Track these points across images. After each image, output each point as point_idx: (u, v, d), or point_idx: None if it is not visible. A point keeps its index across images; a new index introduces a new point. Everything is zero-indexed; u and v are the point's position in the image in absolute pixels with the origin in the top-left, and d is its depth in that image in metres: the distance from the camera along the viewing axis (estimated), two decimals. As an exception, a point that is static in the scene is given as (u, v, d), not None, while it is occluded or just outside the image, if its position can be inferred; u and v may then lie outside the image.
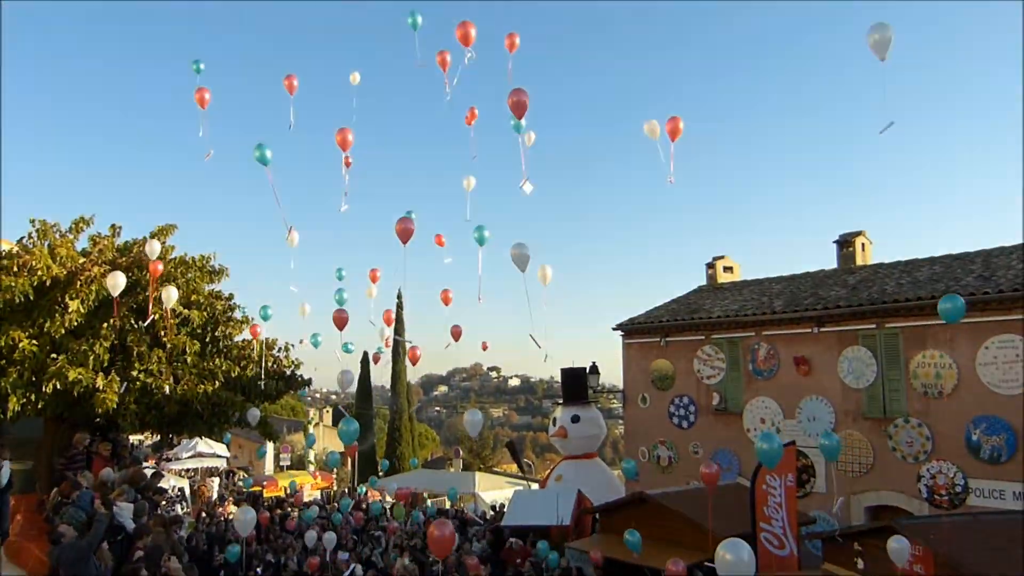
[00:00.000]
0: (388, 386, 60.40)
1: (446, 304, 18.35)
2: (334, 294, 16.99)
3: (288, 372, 17.96)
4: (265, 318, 17.38)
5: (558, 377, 25.29)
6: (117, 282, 13.86)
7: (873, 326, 16.12)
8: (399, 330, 53.43)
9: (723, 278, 23.57)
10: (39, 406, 13.65)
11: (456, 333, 17.40)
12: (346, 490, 30.61)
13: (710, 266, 23.99)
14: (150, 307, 14.53)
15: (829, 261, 21.00)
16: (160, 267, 14.80)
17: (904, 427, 15.32)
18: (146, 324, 14.75)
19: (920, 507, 14.90)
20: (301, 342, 18.74)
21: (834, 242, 20.74)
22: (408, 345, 18.75)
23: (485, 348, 24.71)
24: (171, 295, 14.39)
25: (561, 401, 24.40)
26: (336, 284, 17.65)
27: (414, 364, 18.21)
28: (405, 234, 14.08)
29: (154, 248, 14.70)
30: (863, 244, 20.39)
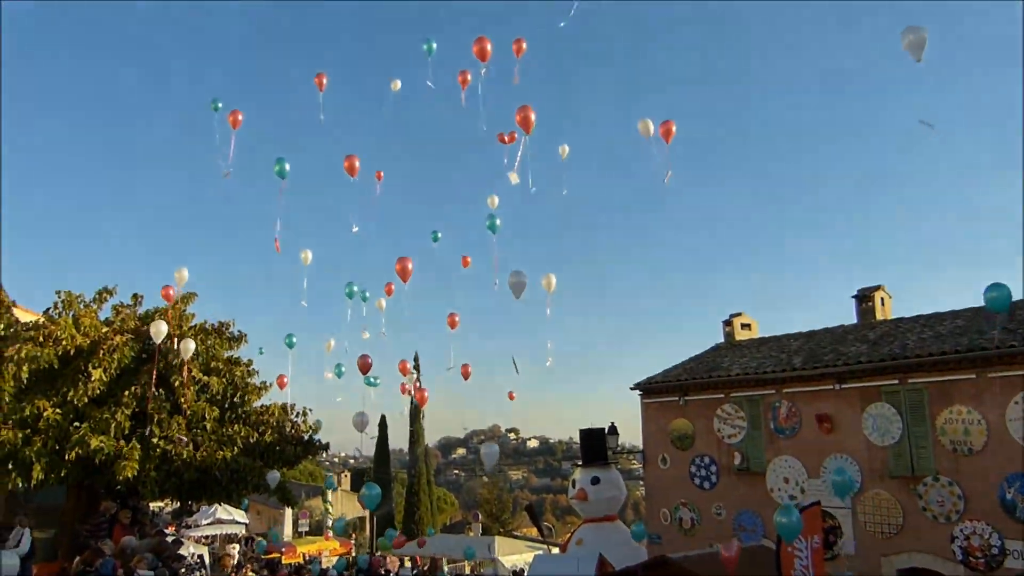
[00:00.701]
0: (406, 449, 59.98)
1: (452, 328, 18.39)
2: (334, 368, 17.69)
3: (306, 437, 17.96)
4: (290, 346, 17.67)
5: (577, 438, 25.05)
6: (160, 329, 14.15)
7: (896, 382, 15.95)
8: (416, 407, 53.19)
9: (741, 335, 23.47)
10: (62, 474, 13.72)
11: (465, 372, 17.60)
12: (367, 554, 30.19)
13: (727, 323, 23.92)
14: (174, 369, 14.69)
15: (848, 317, 20.91)
16: (172, 291, 15.17)
17: (934, 486, 15.02)
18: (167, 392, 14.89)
19: (955, 569, 14.49)
20: (328, 375, 18.83)
21: (852, 297, 20.67)
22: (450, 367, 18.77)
23: (512, 398, 24.77)
24: (188, 347, 14.59)
25: (580, 462, 24.12)
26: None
27: (421, 405, 18.55)
28: (404, 274, 14.67)
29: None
30: (882, 299, 20.30)
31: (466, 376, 18.52)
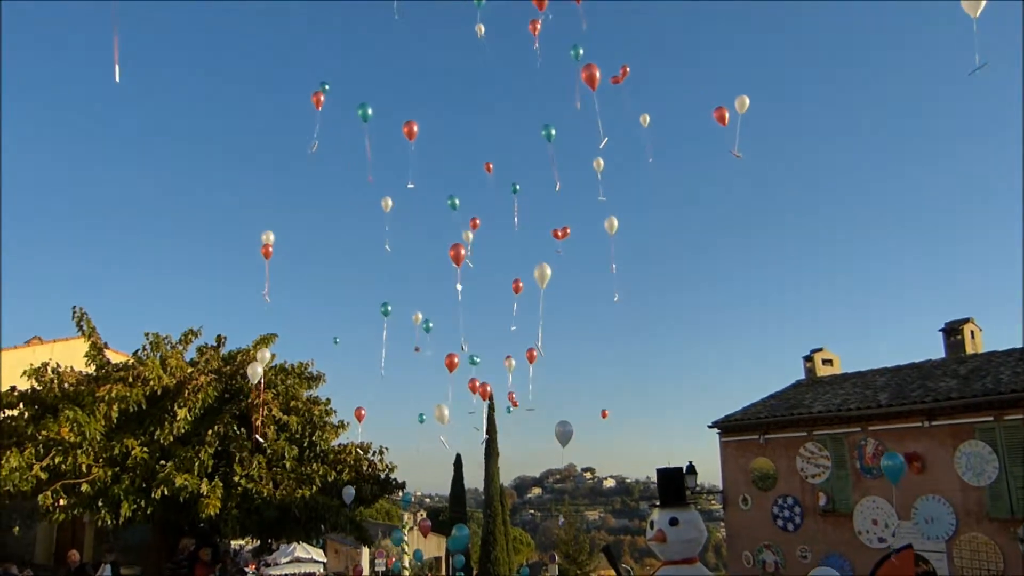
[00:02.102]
0: (481, 488, 59.86)
1: (516, 293, 18.35)
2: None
3: (383, 475, 18.11)
4: (385, 314, 18.21)
5: (654, 477, 24.59)
6: (256, 370, 14.62)
7: (991, 419, 15.18)
8: (491, 432, 53.30)
9: (822, 371, 22.75)
10: (148, 511, 14.15)
11: (530, 356, 17.89)
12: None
13: (808, 359, 23.24)
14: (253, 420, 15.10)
15: (935, 351, 20.08)
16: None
17: (1035, 529, 14.16)
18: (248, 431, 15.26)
19: (1061, 618, 13.59)
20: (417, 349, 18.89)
21: (940, 331, 19.86)
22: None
23: (605, 416, 24.72)
24: (256, 371, 14.94)
25: (658, 503, 23.59)
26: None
27: (484, 399, 18.51)
28: (458, 259, 15.32)
29: (264, 356, 15.49)
30: (972, 332, 19.44)
31: (531, 359, 18.54)
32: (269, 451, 15.49)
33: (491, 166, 18.10)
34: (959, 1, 9.12)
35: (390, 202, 16.83)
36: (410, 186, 16.50)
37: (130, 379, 14.84)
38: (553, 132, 15.74)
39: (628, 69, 15.73)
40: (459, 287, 16.51)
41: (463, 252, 16.08)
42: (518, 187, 18.04)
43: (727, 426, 21.00)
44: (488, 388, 19.39)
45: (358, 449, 17.73)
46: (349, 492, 16.68)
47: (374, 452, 18.16)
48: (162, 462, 14.40)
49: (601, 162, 16.84)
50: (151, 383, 14.81)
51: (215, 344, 17.67)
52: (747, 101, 14.87)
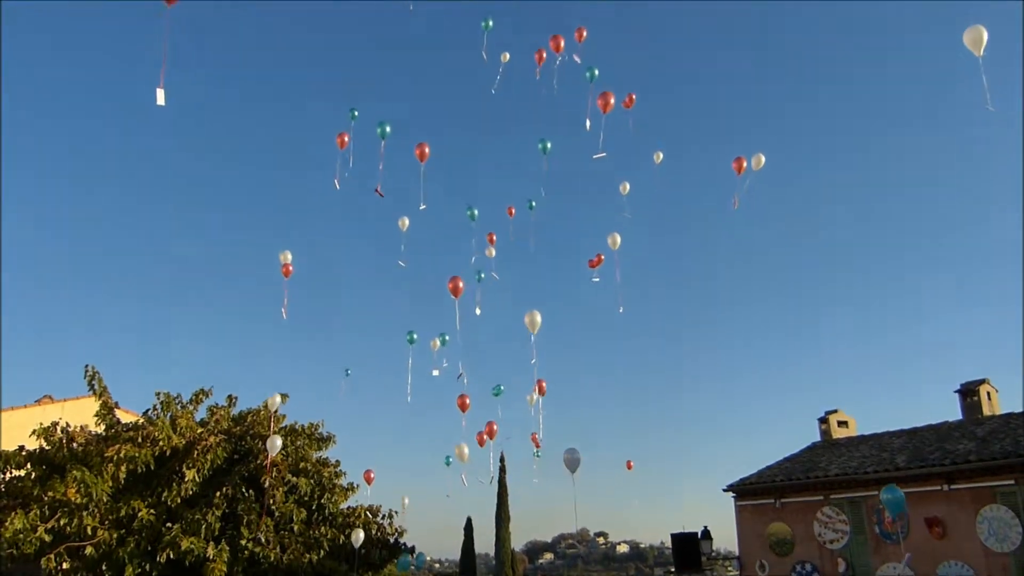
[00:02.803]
0: (492, 554, 58.76)
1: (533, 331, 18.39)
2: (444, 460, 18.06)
3: (392, 539, 17.81)
4: (411, 342, 17.91)
5: (668, 543, 24.12)
6: (276, 443, 14.57)
7: (1012, 482, 14.87)
8: (503, 495, 52.52)
9: (838, 433, 22.45)
10: (153, 575, 13.91)
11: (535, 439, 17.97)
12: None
13: (823, 421, 22.96)
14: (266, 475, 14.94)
15: (952, 412, 19.81)
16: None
17: (1063, 597, 13.73)
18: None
19: None
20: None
21: (956, 392, 19.64)
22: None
23: (630, 467, 24.33)
24: (276, 444, 14.84)
25: (673, 569, 23.11)
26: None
27: (464, 411, 18.22)
28: (456, 291, 15.59)
29: (275, 401, 15.57)
30: (988, 393, 19.20)
31: (542, 392, 18.47)
32: (277, 514, 15.29)
33: (513, 210, 18.54)
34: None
35: (407, 221, 17.17)
36: (422, 207, 16.97)
37: (139, 439, 14.77)
38: (549, 145, 16.54)
39: (634, 96, 16.42)
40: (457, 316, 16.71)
41: (461, 285, 16.36)
42: (534, 203, 18.62)
43: (742, 490, 20.64)
44: (495, 427, 19.08)
45: (367, 512, 17.49)
46: (358, 537, 16.03)
47: (383, 515, 17.89)
48: (168, 524, 14.22)
49: (627, 186, 17.55)
50: (160, 443, 14.72)
51: (226, 404, 17.63)
52: (763, 159, 15.36)
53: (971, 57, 10.07)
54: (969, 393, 19.30)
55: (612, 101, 15.47)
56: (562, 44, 15.85)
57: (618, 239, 17.32)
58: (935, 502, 16.04)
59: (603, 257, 18.28)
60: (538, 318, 16.44)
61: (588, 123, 15.69)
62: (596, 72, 15.89)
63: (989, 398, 19.18)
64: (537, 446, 20.63)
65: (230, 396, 17.81)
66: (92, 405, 16.48)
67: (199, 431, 15.82)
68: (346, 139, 15.90)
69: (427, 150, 16.18)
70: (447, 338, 18.33)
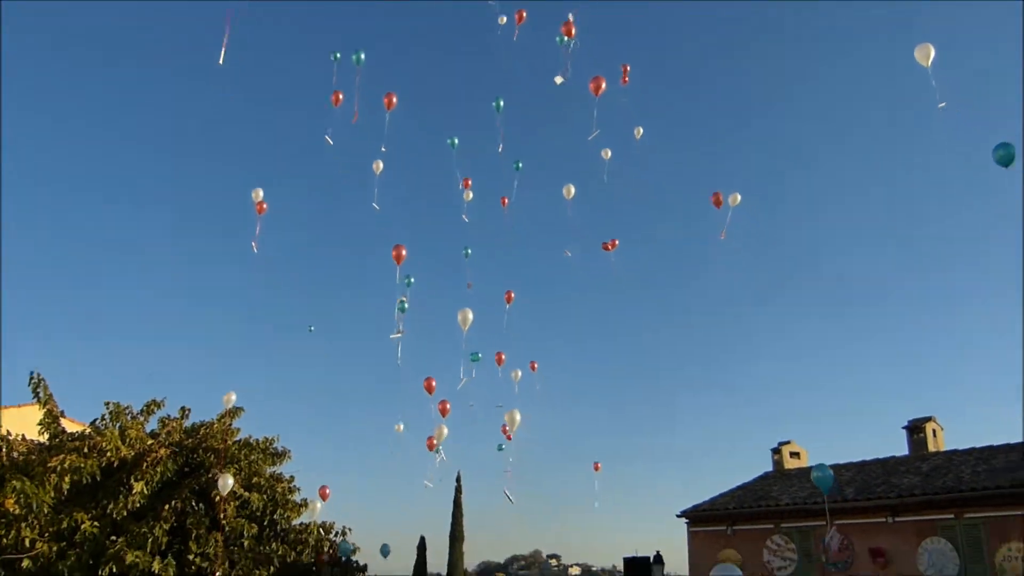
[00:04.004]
0: (444, 574, 58.24)
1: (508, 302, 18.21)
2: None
3: (343, 558, 17.60)
4: (402, 311, 17.70)
5: (621, 566, 24.18)
6: (227, 482, 14.19)
7: (952, 516, 15.27)
8: (457, 515, 52.10)
9: (790, 464, 22.80)
10: (94, 590, 13.56)
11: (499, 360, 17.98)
12: None
13: (776, 451, 23.30)
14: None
15: (899, 447, 20.28)
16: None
17: (999, 630, 14.08)
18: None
19: None
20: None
21: (903, 428, 20.11)
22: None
23: (597, 469, 24.42)
24: (227, 482, 14.45)
25: (623, 593, 23.19)
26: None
27: (430, 393, 17.91)
28: (399, 259, 15.64)
29: (230, 399, 15.32)
30: (934, 430, 19.71)
31: (500, 362, 18.44)
32: (227, 528, 15.02)
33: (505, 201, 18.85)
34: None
35: (380, 165, 17.19)
36: (382, 155, 17.12)
37: (86, 449, 14.41)
38: (502, 103, 17.44)
39: (628, 67, 16.98)
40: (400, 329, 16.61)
41: (403, 252, 16.40)
42: (520, 164, 18.96)
43: (695, 516, 20.84)
44: (447, 405, 18.77)
45: (320, 529, 17.27)
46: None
47: (337, 533, 17.68)
48: (113, 537, 13.87)
49: (608, 152, 17.89)
50: (108, 454, 14.37)
51: (179, 416, 17.31)
52: (739, 198, 15.97)
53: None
54: (916, 430, 19.78)
55: (604, 85, 15.89)
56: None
57: (572, 190, 17.29)
58: (880, 533, 16.37)
59: (617, 242, 18.82)
60: (470, 316, 16.65)
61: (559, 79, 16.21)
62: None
63: (935, 435, 19.67)
64: (508, 439, 20.39)
65: (183, 408, 17.49)
66: (36, 414, 16.06)
67: (149, 443, 15.49)
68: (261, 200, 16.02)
69: (395, 99, 16.41)
70: (406, 304, 18.09)
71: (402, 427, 18.34)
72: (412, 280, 17.61)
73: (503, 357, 18.57)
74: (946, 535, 15.22)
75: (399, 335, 17.10)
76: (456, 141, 18.06)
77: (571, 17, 16.45)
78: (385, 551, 18.46)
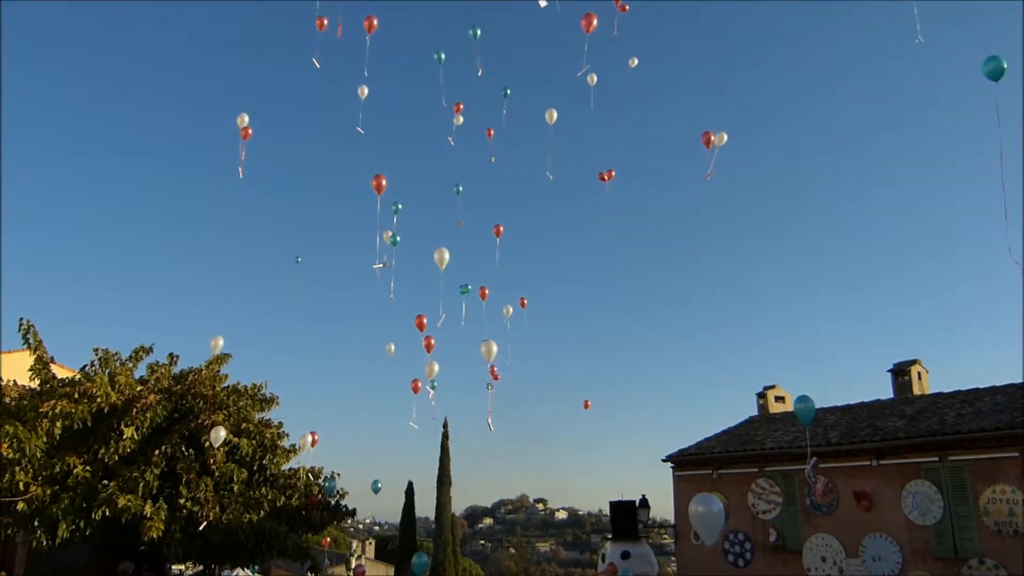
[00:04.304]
0: (431, 517, 59.18)
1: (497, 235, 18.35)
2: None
3: (333, 502, 17.80)
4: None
5: (607, 510, 24.54)
6: (219, 434, 14.20)
7: (936, 459, 15.49)
8: (444, 459, 52.73)
9: (775, 408, 23.05)
10: (87, 533, 13.68)
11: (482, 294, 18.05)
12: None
13: (761, 396, 23.53)
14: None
15: (884, 391, 20.48)
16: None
17: (979, 568, 14.41)
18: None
19: (1001, 658, 13.80)
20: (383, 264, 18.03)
21: (888, 371, 20.28)
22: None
23: (587, 406, 24.40)
24: (219, 435, 14.45)
25: (610, 536, 23.59)
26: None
27: (422, 330, 17.86)
28: (379, 188, 15.66)
29: (218, 344, 15.36)
30: (919, 373, 19.88)
31: (483, 296, 18.46)
32: (217, 473, 15.12)
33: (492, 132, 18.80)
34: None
35: (365, 90, 17.03)
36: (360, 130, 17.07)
37: (76, 395, 14.42)
38: (479, 31, 17.43)
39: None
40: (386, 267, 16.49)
41: (384, 182, 16.25)
42: (508, 91, 18.83)
43: (681, 460, 21.10)
44: (432, 341, 18.65)
45: (309, 474, 17.42)
46: (219, 435, 14.70)
47: (325, 477, 17.84)
48: (105, 482, 13.97)
49: (595, 77, 17.66)
50: (98, 400, 14.39)
51: (167, 362, 17.29)
52: (725, 137, 15.99)
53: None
54: (901, 373, 19.96)
55: (595, 22, 15.75)
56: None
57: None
58: (864, 476, 16.63)
59: (614, 173, 18.76)
60: (447, 255, 16.56)
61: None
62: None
63: (919, 378, 19.86)
64: (496, 379, 20.40)
65: (171, 354, 17.49)
66: (26, 360, 16.01)
67: (139, 389, 15.50)
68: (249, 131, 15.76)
69: (375, 22, 16.24)
70: (398, 238, 17.85)
71: (393, 347, 18.24)
72: (400, 207, 17.26)
73: (487, 292, 18.49)
74: (930, 478, 15.47)
75: (382, 266, 16.79)
76: (443, 56, 17.63)
77: None
78: (376, 487, 18.70)
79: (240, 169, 15.99)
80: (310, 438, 16.74)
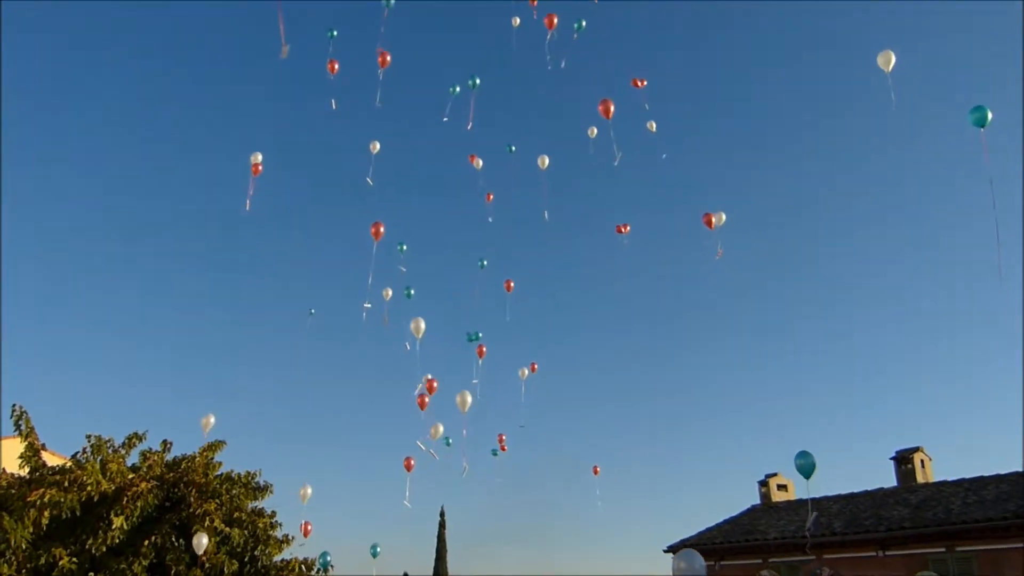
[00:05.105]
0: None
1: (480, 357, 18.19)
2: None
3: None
4: (324, 566, 17.56)
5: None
6: (201, 542, 13.91)
7: (943, 549, 15.20)
8: (441, 551, 51.50)
9: (777, 496, 22.70)
10: (70, 627, 13.22)
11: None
12: None
13: (763, 484, 23.21)
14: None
15: (887, 478, 20.23)
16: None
17: (991, 666, 13.95)
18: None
19: None
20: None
21: (891, 459, 20.09)
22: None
23: (596, 472, 24.12)
24: (201, 542, 14.11)
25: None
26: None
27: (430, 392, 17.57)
28: (377, 235, 15.99)
29: (209, 422, 15.25)
30: (922, 460, 19.70)
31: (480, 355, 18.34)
32: (207, 565, 14.73)
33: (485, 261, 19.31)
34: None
35: (377, 145, 17.34)
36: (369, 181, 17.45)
37: (66, 483, 14.16)
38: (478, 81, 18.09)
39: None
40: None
41: (382, 229, 16.61)
42: (514, 148, 19.24)
43: (682, 551, 20.66)
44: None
45: (302, 565, 16.98)
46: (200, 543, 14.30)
47: (318, 570, 17.38)
48: (91, 574, 13.58)
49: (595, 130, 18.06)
50: (88, 488, 14.13)
51: (160, 449, 17.07)
52: (724, 217, 16.46)
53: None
54: (904, 460, 19.77)
55: (612, 108, 16.34)
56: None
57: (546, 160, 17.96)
58: (870, 567, 16.27)
59: (629, 227, 19.21)
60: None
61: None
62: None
63: (923, 466, 19.67)
64: (503, 449, 20.29)
65: (165, 441, 17.27)
66: (17, 447, 15.80)
67: (130, 476, 15.25)
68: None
69: (388, 58, 16.89)
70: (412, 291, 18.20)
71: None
72: (404, 247, 17.95)
73: (484, 350, 18.75)
74: (937, 568, 15.12)
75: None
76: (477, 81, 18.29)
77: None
78: (374, 551, 18.52)
79: (248, 202, 16.43)
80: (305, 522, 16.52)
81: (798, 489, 23.17)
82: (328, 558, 17.15)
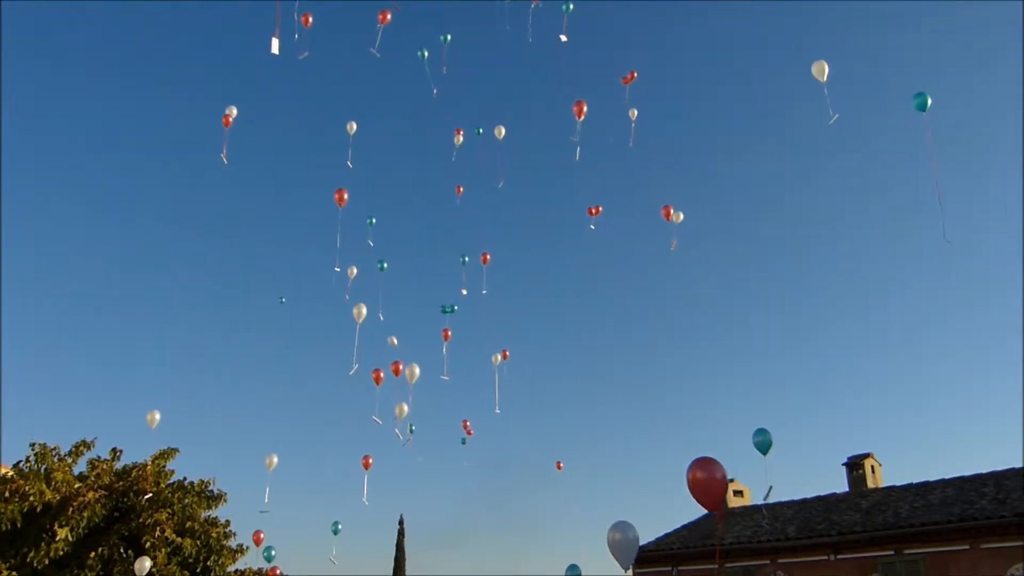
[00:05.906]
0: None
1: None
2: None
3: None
4: (268, 559, 17.34)
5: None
6: (144, 565, 13.56)
7: (892, 552, 15.46)
8: (399, 558, 50.98)
9: (734, 502, 22.91)
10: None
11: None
12: None
13: (719, 489, 23.42)
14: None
15: (839, 484, 20.57)
16: None
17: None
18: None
19: None
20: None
21: (843, 465, 20.43)
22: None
23: (560, 468, 24.95)
24: (144, 566, 13.74)
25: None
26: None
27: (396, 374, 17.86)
28: (341, 201, 16.39)
29: (154, 418, 15.00)
30: (872, 467, 20.06)
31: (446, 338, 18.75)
32: (158, 576, 14.40)
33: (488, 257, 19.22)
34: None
35: (354, 126, 18.08)
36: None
37: (6, 494, 13.72)
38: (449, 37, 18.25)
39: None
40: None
41: (345, 195, 17.43)
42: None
43: (641, 557, 20.69)
44: (400, 366, 18.38)
45: (256, 575, 16.72)
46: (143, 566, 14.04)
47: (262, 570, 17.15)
48: (34, 587, 13.20)
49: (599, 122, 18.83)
50: (31, 498, 13.72)
51: (110, 457, 16.64)
52: (681, 216, 16.90)
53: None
54: (855, 466, 20.10)
55: (586, 108, 16.68)
56: None
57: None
58: (823, 571, 16.49)
59: (601, 208, 19.36)
60: (417, 370, 17.06)
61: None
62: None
63: (873, 471, 20.02)
64: (469, 434, 20.47)
65: (114, 449, 16.84)
66: (-41, 456, 15.32)
67: (77, 486, 14.84)
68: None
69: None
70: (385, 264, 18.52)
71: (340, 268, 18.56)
72: (374, 221, 18.32)
73: (449, 333, 19.05)
74: (887, 572, 15.39)
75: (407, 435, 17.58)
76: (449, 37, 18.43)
77: None
78: (335, 528, 18.60)
79: (224, 157, 16.40)
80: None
81: (754, 495, 23.44)
82: (272, 552, 17.16)
